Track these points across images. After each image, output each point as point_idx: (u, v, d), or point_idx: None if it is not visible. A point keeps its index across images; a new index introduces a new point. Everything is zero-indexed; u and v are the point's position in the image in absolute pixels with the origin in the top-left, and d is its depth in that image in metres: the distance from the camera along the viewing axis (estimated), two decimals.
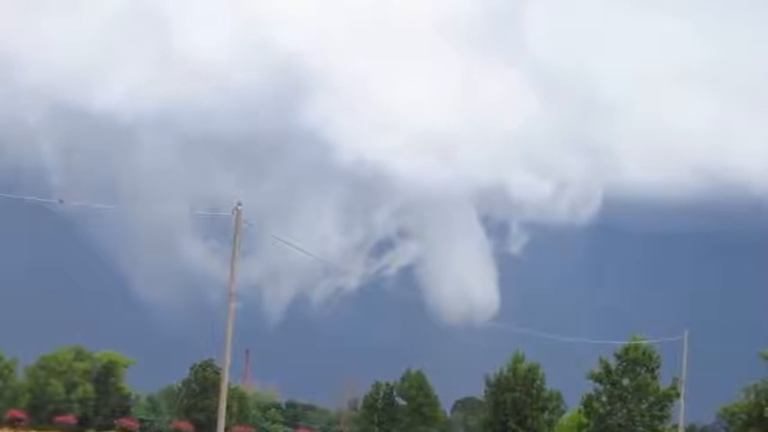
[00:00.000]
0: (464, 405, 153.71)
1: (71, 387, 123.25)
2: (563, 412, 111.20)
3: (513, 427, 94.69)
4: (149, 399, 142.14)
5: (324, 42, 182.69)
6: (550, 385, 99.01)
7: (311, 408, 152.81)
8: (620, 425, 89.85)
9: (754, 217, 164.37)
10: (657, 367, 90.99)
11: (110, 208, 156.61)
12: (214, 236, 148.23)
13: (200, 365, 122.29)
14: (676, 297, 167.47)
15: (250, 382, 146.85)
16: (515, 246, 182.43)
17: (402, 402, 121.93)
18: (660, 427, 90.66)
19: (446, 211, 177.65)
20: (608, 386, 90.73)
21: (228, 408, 70.55)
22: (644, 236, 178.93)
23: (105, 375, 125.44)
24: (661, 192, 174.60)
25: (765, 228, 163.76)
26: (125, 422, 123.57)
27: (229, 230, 53.00)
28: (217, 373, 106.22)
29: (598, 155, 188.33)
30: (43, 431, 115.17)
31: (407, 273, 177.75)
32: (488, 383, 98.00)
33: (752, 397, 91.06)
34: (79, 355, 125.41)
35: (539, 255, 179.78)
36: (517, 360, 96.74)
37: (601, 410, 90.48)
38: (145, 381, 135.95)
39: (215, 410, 69.69)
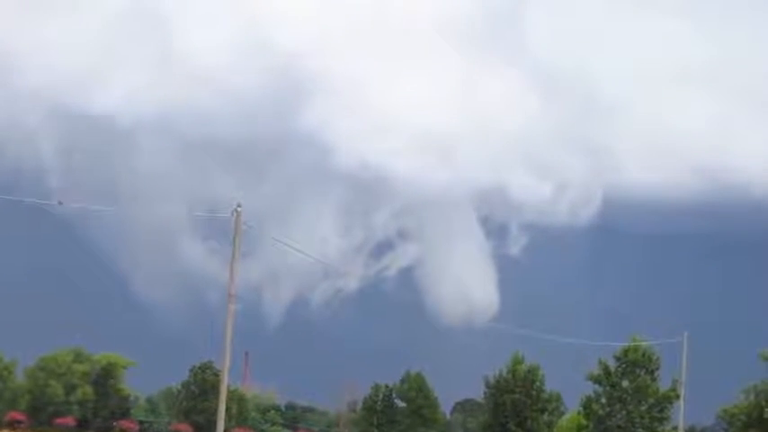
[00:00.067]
0: (464, 407, 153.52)
1: (70, 389, 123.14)
2: (562, 414, 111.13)
3: (513, 428, 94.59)
4: (149, 400, 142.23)
5: (323, 43, 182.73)
6: (550, 387, 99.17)
7: (311, 410, 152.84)
8: (619, 426, 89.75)
9: (754, 217, 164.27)
10: (657, 369, 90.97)
11: (109, 210, 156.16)
12: (213, 237, 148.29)
13: (199, 367, 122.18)
14: (676, 298, 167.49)
15: (249, 383, 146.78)
16: (515, 247, 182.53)
17: (401, 404, 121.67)
18: (660, 429, 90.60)
19: (446, 212, 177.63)
20: (607, 388, 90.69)
21: (228, 409, 70.56)
22: (644, 237, 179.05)
23: (104, 377, 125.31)
24: (661, 192, 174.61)
25: (765, 228, 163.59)
26: (124, 424, 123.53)
27: (229, 232, 53.07)
28: (216, 374, 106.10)
29: (598, 155, 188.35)
30: None
31: (407, 274, 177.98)
32: (488, 385, 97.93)
33: (752, 398, 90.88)
34: (78, 356, 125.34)
35: (538, 256, 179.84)
36: (517, 361, 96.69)
37: (600, 412, 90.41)
38: (144, 382, 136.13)
39: (214, 412, 69.40)
